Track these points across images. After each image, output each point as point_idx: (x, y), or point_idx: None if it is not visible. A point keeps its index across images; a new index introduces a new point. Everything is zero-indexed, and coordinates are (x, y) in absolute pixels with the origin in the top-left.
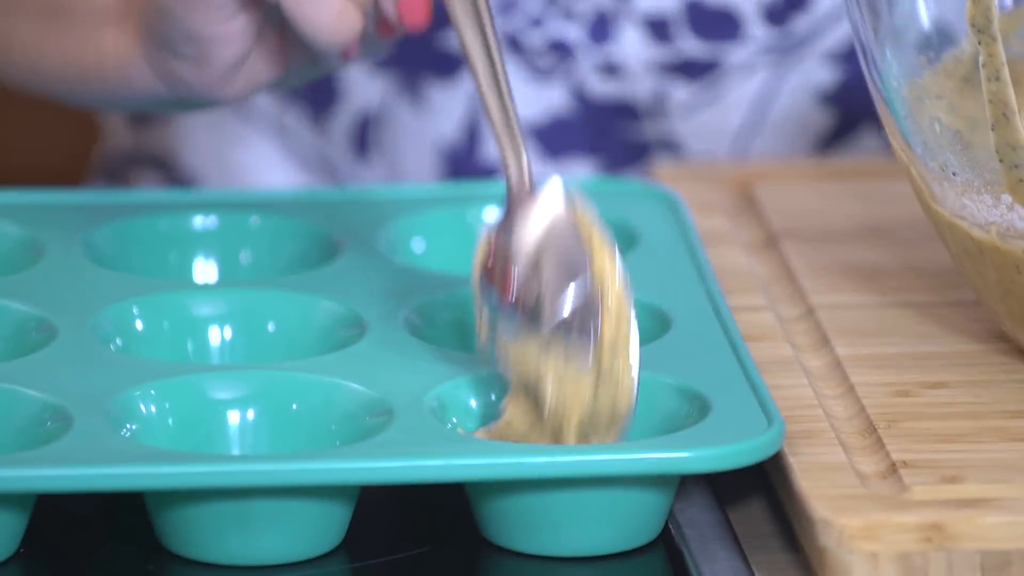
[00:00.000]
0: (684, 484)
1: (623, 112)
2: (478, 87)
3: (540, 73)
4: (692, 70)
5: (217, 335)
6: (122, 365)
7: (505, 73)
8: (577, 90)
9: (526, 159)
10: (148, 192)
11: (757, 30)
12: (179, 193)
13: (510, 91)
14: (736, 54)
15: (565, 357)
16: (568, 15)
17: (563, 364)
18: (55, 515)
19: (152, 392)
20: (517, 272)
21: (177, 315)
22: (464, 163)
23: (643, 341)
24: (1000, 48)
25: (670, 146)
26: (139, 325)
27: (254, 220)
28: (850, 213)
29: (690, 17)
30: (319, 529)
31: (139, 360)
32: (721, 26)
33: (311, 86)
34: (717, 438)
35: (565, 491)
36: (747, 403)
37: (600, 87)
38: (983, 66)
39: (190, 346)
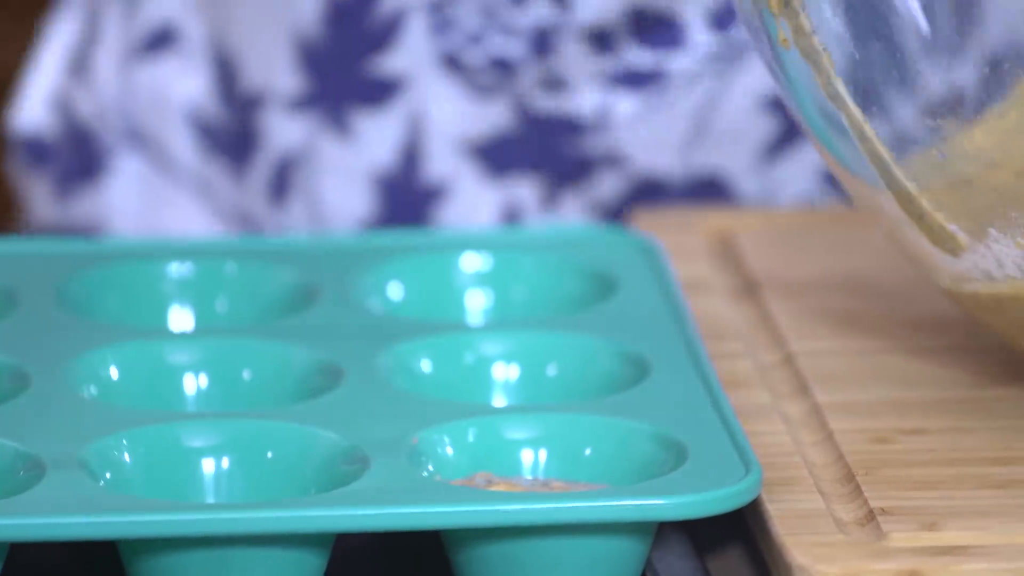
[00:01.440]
0: (661, 531)
1: (567, 127)
2: None
3: (481, 91)
4: (636, 80)
5: (192, 383)
6: (96, 413)
7: None
8: (519, 107)
9: None
10: (124, 239)
11: (701, 37)
12: (154, 240)
13: None
14: (679, 62)
15: None
16: (508, 31)
17: None
18: (29, 565)
19: (126, 441)
20: None
21: (151, 363)
22: (402, 188)
23: (620, 388)
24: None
25: (615, 160)
26: (113, 373)
27: (230, 267)
28: (829, 261)
29: (632, 27)
30: None
31: (113, 408)
32: (664, 34)
33: (231, 135)
34: (695, 485)
35: (542, 538)
36: (725, 450)
37: (543, 103)
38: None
39: (165, 394)
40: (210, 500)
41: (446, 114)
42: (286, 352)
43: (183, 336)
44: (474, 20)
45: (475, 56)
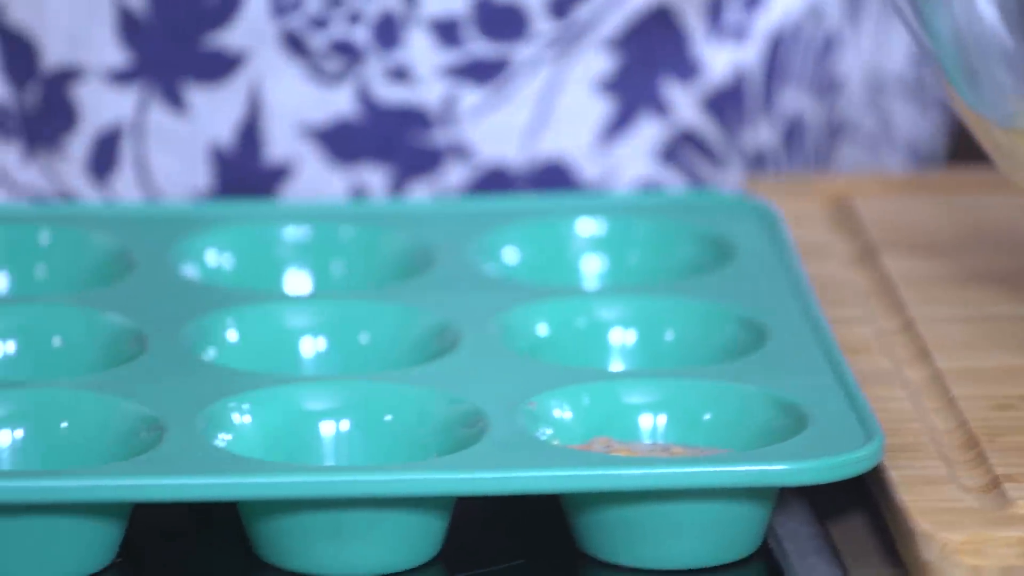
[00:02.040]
0: (783, 497)
1: (413, 119)
2: None
3: (326, 76)
4: (481, 72)
5: (310, 346)
6: (215, 376)
7: None
8: (364, 95)
9: None
10: (242, 203)
11: (543, 24)
12: (270, 204)
13: None
14: (522, 51)
15: None
16: (354, 18)
17: None
18: (150, 525)
19: (245, 403)
20: None
21: (270, 326)
22: (242, 166)
23: (738, 353)
24: None
25: (460, 152)
26: (232, 336)
27: (346, 230)
28: (948, 224)
29: (478, 18)
30: (413, 541)
31: (232, 371)
32: (508, 24)
33: (27, 117)
34: (816, 451)
35: (662, 503)
36: (846, 416)
37: (388, 93)
38: None
39: (283, 357)
40: (329, 463)
41: (287, 96)
42: (403, 315)
43: (301, 299)
44: (317, 3)
45: (319, 40)
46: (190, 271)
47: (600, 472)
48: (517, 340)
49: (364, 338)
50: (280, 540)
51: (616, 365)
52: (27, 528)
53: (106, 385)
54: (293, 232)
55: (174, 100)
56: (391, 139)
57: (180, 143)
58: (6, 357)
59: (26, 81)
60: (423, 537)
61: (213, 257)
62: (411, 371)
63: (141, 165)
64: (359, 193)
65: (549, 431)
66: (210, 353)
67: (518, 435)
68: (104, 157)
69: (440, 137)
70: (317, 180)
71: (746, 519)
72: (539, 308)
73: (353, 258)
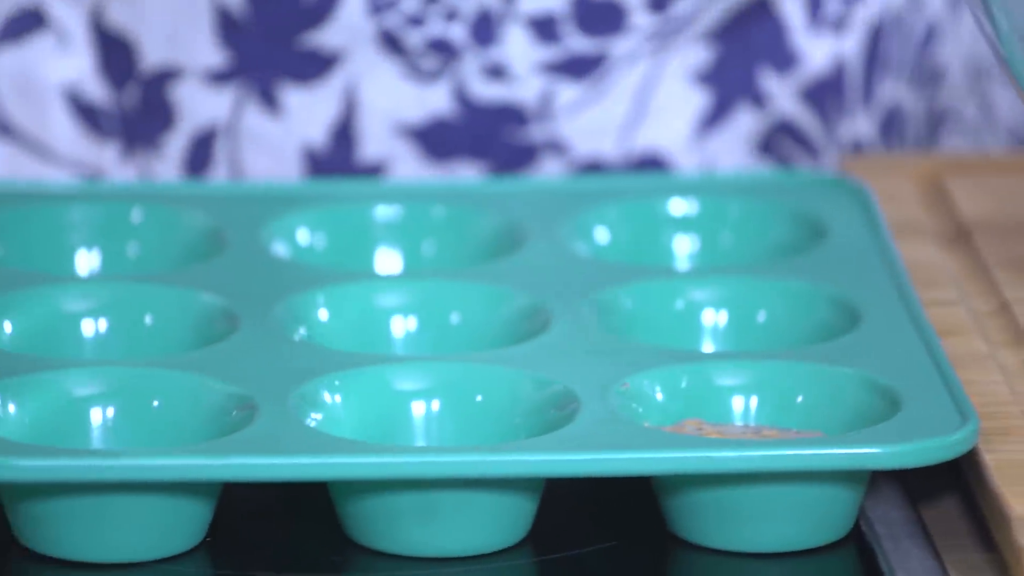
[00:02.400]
0: (875, 480)
1: (508, 115)
2: None
3: (422, 74)
4: (578, 67)
5: (401, 326)
6: (306, 355)
7: None
8: (460, 92)
9: None
10: (334, 182)
11: (641, 18)
12: (362, 183)
13: None
14: (620, 46)
15: None
16: (451, 15)
17: None
18: (241, 504)
19: (337, 382)
20: None
21: (361, 305)
22: (336, 166)
23: (831, 335)
24: None
25: (556, 147)
26: (323, 315)
27: (437, 210)
28: None
29: (576, 13)
30: (504, 522)
31: (323, 350)
32: (606, 19)
33: (124, 117)
34: (910, 434)
35: (754, 486)
36: (940, 399)
37: (485, 91)
38: None
39: (373, 337)
40: (419, 443)
41: (383, 95)
42: (495, 295)
43: (391, 279)
44: (414, 1)
45: (415, 38)
46: (281, 250)
47: (693, 454)
48: (609, 321)
49: (455, 318)
50: (370, 520)
51: (708, 346)
52: (117, 507)
53: (197, 364)
54: (385, 211)
55: (269, 100)
56: (487, 136)
57: (274, 144)
58: (98, 335)
59: (125, 82)
60: (513, 519)
61: (305, 236)
62: (502, 352)
63: (235, 165)
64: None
65: (640, 412)
66: (301, 332)
67: (609, 416)
68: (200, 157)
69: (536, 133)
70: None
71: (838, 502)
72: (631, 289)
73: (444, 238)
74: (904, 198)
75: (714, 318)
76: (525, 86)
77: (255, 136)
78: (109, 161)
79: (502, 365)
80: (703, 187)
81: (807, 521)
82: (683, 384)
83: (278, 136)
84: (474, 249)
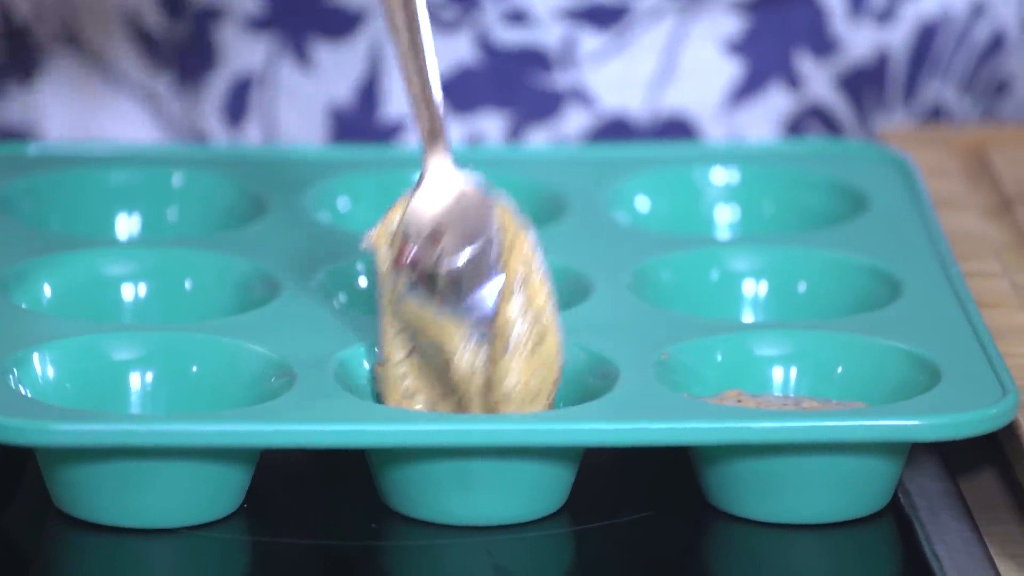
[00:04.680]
0: (913, 452)
1: (532, 60)
2: (399, 53)
3: (444, 25)
4: (601, 16)
5: None
6: (345, 323)
7: (427, 38)
8: (483, 40)
9: (443, 129)
10: (371, 148)
11: None
12: (398, 149)
13: (433, 58)
14: (643, 0)
15: (476, 338)
16: None
17: (474, 345)
18: (278, 471)
19: (375, 350)
20: (416, 242)
21: None
22: (357, 126)
23: (872, 306)
24: None
25: (581, 97)
26: (362, 282)
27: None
28: None
29: None
30: (541, 491)
31: (360, 318)
32: None
33: (179, 48)
34: (949, 406)
35: (793, 457)
36: (981, 371)
37: (507, 36)
38: None
39: None
40: None
41: None
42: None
43: None
44: None
45: None
46: (322, 216)
47: (733, 425)
48: (648, 290)
49: None
50: (407, 488)
51: (747, 316)
52: (154, 473)
53: (237, 330)
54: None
55: (301, 55)
56: (510, 83)
57: (303, 98)
58: (138, 300)
59: (180, 13)
60: (550, 487)
61: (345, 203)
62: None
63: (269, 116)
64: (476, 142)
65: (680, 383)
66: (341, 299)
67: (648, 387)
68: (237, 103)
69: (560, 80)
70: None
71: (877, 474)
72: (671, 258)
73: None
74: (946, 169)
75: (754, 288)
76: (547, 31)
77: (286, 89)
78: (162, 92)
79: None
80: (745, 155)
81: (845, 493)
82: (723, 355)
83: (307, 91)
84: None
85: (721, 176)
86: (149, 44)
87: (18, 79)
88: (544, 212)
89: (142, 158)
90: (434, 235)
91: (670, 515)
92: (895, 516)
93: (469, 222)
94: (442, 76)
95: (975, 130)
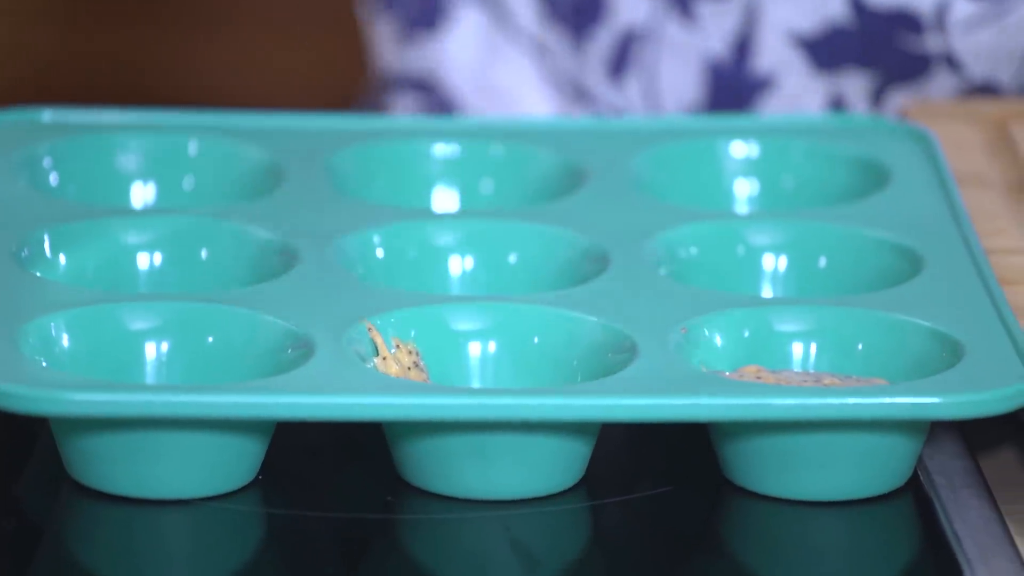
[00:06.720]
0: (934, 430)
1: (903, 22)
2: None
3: None
4: None
5: (458, 264)
6: (363, 293)
7: None
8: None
9: None
10: (390, 118)
11: None
12: (420, 120)
13: None
14: None
15: None
16: None
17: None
18: (294, 443)
19: (393, 321)
20: None
21: (417, 244)
22: (730, 78)
23: (893, 282)
24: None
25: (951, 64)
26: (379, 253)
27: (495, 149)
28: None
29: None
30: (558, 465)
31: (380, 289)
32: None
33: (572, 3)
34: (970, 384)
35: (812, 434)
36: (1002, 349)
37: None
38: None
39: (430, 275)
40: (475, 384)
41: (781, 6)
42: (553, 236)
43: (448, 217)
44: None
45: None
46: (340, 187)
47: (752, 401)
48: (667, 264)
49: (512, 258)
50: (425, 462)
51: (767, 291)
52: (170, 443)
53: (253, 300)
54: (443, 149)
55: (684, 10)
56: (879, 44)
57: (684, 52)
58: (154, 269)
59: None
60: (568, 462)
61: (363, 173)
62: (560, 294)
63: (649, 71)
64: (837, 104)
65: (699, 358)
66: (358, 270)
67: (667, 361)
68: (621, 58)
69: (930, 44)
70: (798, 89)
71: (897, 451)
72: (690, 231)
73: (502, 176)
74: (968, 145)
75: (774, 263)
76: None
77: (668, 44)
78: (554, 42)
79: (560, 307)
80: (765, 129)
81: (865, 470)
82: (743, 330)
83: (686, 45)
84: (532, 188)
85: (741, 149)
86: None
87: (427, 29)
88: (563, 185)
89: (159, 126)
90: None
91: (688, 490)
92: (914, 494)
93: None
94: (810, 33)
95: (999, 105)
